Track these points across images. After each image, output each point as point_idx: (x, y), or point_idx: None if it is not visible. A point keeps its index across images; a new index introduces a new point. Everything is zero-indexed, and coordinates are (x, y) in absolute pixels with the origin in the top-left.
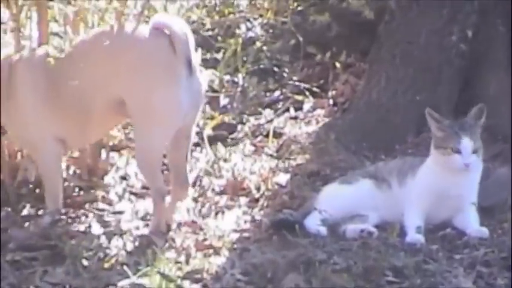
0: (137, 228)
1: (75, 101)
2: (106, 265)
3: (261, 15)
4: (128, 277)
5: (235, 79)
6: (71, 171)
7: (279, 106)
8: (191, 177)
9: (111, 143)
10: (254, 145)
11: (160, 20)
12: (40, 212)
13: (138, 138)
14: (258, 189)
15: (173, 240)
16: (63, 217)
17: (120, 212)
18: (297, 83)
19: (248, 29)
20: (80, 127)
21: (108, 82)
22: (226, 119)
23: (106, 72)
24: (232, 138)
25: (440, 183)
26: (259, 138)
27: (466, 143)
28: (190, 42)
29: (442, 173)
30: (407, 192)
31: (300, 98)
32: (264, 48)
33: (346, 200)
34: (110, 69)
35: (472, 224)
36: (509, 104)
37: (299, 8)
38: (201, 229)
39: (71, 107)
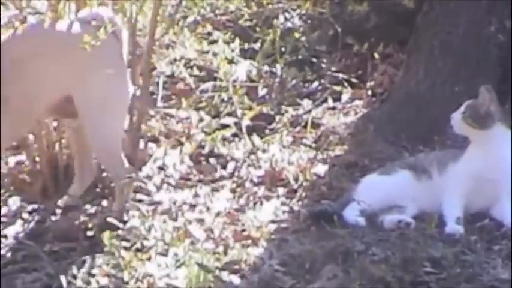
0: (175, 219)
1: (18, 102)
2: (144, 256)
3: (299, 6)
4: (166, 268)
5: (274, 70)
6: None
7: (317, 97)
8: (229, 168)
9: (149, 134)
10: (292, 136)
11: (94, 12)
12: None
13: (97, 130)
14: (296, 180)
15: (211, 231)
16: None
17: (158, 203)
18: (335, 74)
19: (286, 20)
20: (17, 128)
21: (56, 80)
22: (265, 109)
23: (55, 71)
24: (270, 129)
25: (477, 166)
26: (297, 129)
27: None
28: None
29: (480, 156)
30: (447, 181)
31: (338, 88)
32: (302, 38)
33: (384, 191)
34: (59, 68)
35: (510, 215)
36: None
37: None
38: (239, 220)
39: (14, 108)
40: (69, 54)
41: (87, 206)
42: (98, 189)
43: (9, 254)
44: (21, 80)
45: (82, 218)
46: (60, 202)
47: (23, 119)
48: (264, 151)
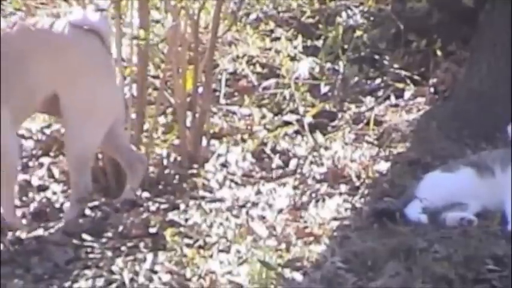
0: (237, 216)
1: (21, 96)
2: (206, 253)
3: (361, 3)
4: (228, 265)
5: (336, 67)
6: (171, 159)
7: (380, 94)
8: (292, 165)
9: (211, 131)
10: (355, 133)
11: (85, 16)
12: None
13: (76, 135)
14: (359, 177)
15: (274, 228)
16: (164, 206)
17: (221, 200)
18: (397, 71)
19: (348, 17)
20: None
21: (47, 80)
22: (327, 106)
23: (46, 70)
24: (332, 126)
25: None
26: (359, 126)
27: None
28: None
29: None
30: (511, 179)
31: (400, 85)
32: (365, 36)
33: (447, 189)
34: (50, 66)
35: None
36: None
37: None
38: (302, 217)
39: (17, 102)
40: (59, 55)
41: (149, 203)
42: (160, 187)
43: (71, 251)
44: (22, 72)
45: (145, 215)
46: (115, 201)
47: (23, 110)
48: (326, 148)
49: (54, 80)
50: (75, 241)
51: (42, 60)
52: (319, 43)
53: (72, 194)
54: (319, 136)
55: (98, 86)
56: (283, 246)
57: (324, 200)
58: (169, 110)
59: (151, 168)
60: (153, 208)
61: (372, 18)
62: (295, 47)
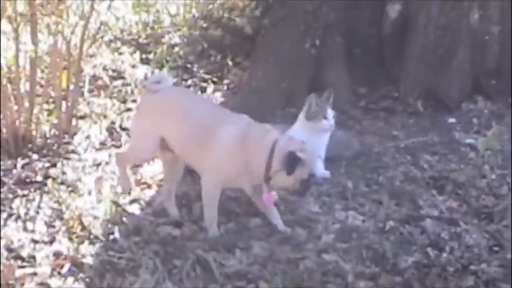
0: (96, 171)
1: None
2: (76, 195)
3: (178, 29)
4: (90, 203)
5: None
6: (52, 133)
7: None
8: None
9: (79, 114)
10: None
11: None
12: None
13: None
14: None
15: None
16: (47, 164)
17: (85, 160)
18: (202, 75)
19: (170, 39)
20: None
21: None
22: None
23: None
24: None
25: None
26: None
27: (330, 113)
28: None
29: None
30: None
31: (205, 84)
32: (181, 51)
33: None
34: None
35: (319, 168)
36: (346, 89)
37: (204, 25)
38: (138, 171)
39: None
40: None
41: (37, 162)
42: (44, 151)
43: None
44: None
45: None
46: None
47: None
48: None
49: None
50: None
51: None
52: (151, 56)
53: None
54: None
55: None
56: (126, 190)
57: (153, 161)
58: (51, 100)
59: (38, 139)
60: (39, 165)
61: (185, 40)
62: (134, 59)
